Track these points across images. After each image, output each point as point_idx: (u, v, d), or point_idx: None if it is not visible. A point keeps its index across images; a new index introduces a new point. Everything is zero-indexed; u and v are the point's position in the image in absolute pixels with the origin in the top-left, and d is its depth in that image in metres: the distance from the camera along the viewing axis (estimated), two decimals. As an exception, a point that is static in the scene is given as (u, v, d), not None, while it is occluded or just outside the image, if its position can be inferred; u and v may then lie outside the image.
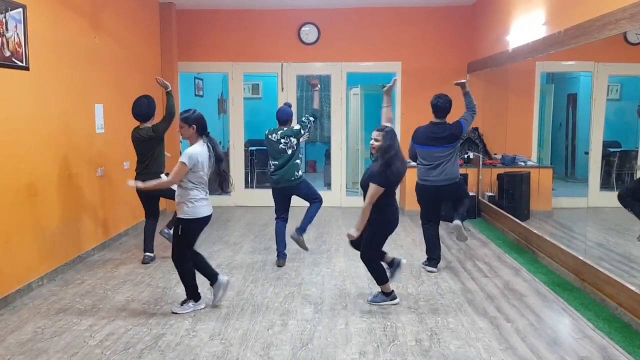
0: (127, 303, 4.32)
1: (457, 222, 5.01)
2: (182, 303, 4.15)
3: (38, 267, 4.69)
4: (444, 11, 8.24)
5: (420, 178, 5.17)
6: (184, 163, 3.90)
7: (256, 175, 10.00)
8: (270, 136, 5.30)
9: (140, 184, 4.37)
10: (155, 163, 5.25)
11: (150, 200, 5.36)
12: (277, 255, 5.41)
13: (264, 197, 8.74)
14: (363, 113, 9.42)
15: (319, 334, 3.73)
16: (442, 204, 5.29)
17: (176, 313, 4.07)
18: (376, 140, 4.03)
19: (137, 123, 5.27)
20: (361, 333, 3.75)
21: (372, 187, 3.97)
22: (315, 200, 5.41)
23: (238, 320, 3.96)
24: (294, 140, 5.24)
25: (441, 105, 5.07)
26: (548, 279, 4.89)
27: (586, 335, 3.71)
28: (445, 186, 5.04)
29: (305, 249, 5.47)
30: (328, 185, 9.11)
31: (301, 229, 5.34)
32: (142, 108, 5.23)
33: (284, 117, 5.33)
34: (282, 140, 5.23)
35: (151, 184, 4.39)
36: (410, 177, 7.76)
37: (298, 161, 5.31)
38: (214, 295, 4.22)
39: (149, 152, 5.20)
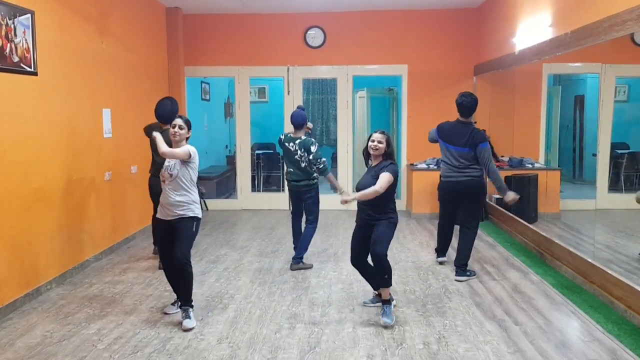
0: (135, 307, 4.34)
1: (458, 278, 4.99)
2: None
3: (46, 271, 4.72)
4: (450, 14, 8.24)
5: (443, 175, 5.20)
6: (190, 150, 3.95)
7: (262, 179, 10.01)
8: (287, 144, 5.26)
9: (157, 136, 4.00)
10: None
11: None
12: (294, 249, 5.47)
13: (271, 200, 8.77)
14: (369, 116, 9.42)
15: (327, 338, 3.72)
16: (460, 204, 5.18)
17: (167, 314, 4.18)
18: (380, 142, 3.95)
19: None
20: (369, 336, 3.74)
21: (386, 175, 3.84)
22: (310, 221, 5.37)
23: (245, 324, 3.97)
24: (307, 155, 5.19)
25: (467, 104, 5.00)
26: (556, 281, 4.87)
27: (595, 337, 3.68)
28: (464, 181, 5.00)
29: (310, 266, 5.38)
30: (334, 188, 9.10)
31: (298, 259, 5.35)
32: (167, 109, 5.22)
33: (299, 121, 5.24)
34: (299, 152, 5.19)
35: (161, 141, 3.94)
36: (418, 179, 7.78)
37: (311, 171, 5.29)
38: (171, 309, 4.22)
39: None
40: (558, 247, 5.25)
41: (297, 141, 5.20)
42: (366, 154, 4.12)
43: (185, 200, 3.99)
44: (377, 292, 4.23)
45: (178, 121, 4.03)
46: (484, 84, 8.04)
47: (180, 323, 3.94)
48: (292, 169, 5.27)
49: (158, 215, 4.10)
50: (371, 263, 4.07)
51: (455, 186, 5.07)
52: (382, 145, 3.96)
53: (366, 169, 4.16)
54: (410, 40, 8.32)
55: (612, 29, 4.12)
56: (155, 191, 5.33)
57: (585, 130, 6.73)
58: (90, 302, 4.46)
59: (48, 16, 4.73)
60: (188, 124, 4.07)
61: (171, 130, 4.00)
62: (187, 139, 4.07)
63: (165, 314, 4.15)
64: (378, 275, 4.01)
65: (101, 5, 5.80)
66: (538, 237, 5.77)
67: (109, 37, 5.96)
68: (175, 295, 4.21)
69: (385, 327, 3.88)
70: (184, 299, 4.02)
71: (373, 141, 3.98)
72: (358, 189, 4.02)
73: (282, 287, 4.81)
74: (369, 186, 3.90)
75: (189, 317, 3.97)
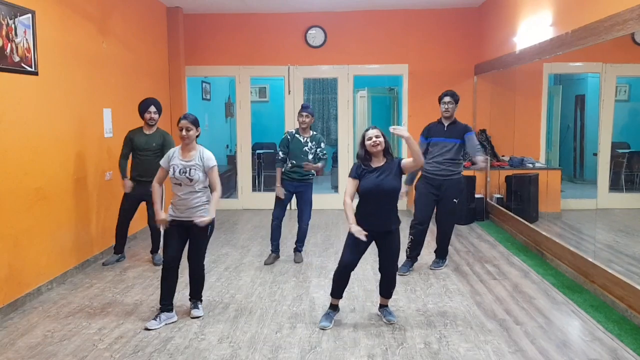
0: (136, 306, 4.34)
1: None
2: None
3: (47, 270, 4.72)
4: (451, 13, 8.24)
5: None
6: (216, 166, 4.00)
7: (263, 179, 10.01)
8: (297, 135, 5.39)
9: (208, 219, 3.91)
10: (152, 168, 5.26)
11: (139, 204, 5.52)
12: (275, 247, 5.64)
13: (271, 200, 8.74)
14: (370, 115, 9.42)
15: (327, 337, 3.72)
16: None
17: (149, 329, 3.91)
18: (378, 137, 3.75)
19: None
20: (369, 336, 3.74)
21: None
22: (303, 222, 5.52)
23: (246, 324, 3.97)
24: (317, 149, 5.39)
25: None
26: (557, 281, 4.87)
27: (596, 337, 3.68)
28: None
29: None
30: (335, 188, 9.12)
31: (299, 250, 5.68)
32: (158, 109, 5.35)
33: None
34: (310, 144, 5.36)
35: (212, 208, 3.95)
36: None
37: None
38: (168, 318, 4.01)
39: (155, 158, 5.20)
40: (559, 247, 5.25)
41: (310, 135, 5.43)
42: (363, 157, 3.82)
43: (203, 201, 3.97)
44: (335, 304, 4.03)
45: (184, 123, 3.91)
46: (485, 84, 8.03)
47: (179, 321, 3.95)
48: (297, 162, 5.35)
49: (173, 217, 3.95)
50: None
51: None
52: (382, 139, 3.77)
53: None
54: (411, 40, 8.31)
55: (613, 29, 4.11)
56: (133, 197, 5.35)
57: (586, 130, 6.73)
58: (91, 301, 4.46)
59: (49, 16, 4.73)
60: (195, 122, 3.96)
61: (180, 134, 3.92)
62: (197, 137, 4.00)
63: (147, 329, 3.86)
64: (390, 289, 4.01)
65: (102, 5, 5.80)
66: (539, 237, 5.77)
67: (110, 36, 5.96)
68: (159, 307, 4.02)
69: (391, 323, 3.93)
70: (197, 294, 4.16)
71: (371, 138, 3.76)
72: (381, 190, 3.73)
73: (283, 286, 4.81)
74: (397, 186, 3.77)
75: (198, 308, 4.11)
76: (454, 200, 5.11)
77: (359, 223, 3.76)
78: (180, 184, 3.91)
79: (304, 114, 5.31)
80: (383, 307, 4.08)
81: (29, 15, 4.42)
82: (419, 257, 5.35)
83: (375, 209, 3.77)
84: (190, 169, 3.90)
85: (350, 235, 3.78)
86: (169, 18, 7.93)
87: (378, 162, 3.80)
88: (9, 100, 4.21)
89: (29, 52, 4.42)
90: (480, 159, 4.91)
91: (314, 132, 5.46)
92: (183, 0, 7.69)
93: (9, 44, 4.18)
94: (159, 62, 7.63)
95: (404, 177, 4.05)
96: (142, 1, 7.00)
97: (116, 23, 6.13)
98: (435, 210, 5.25)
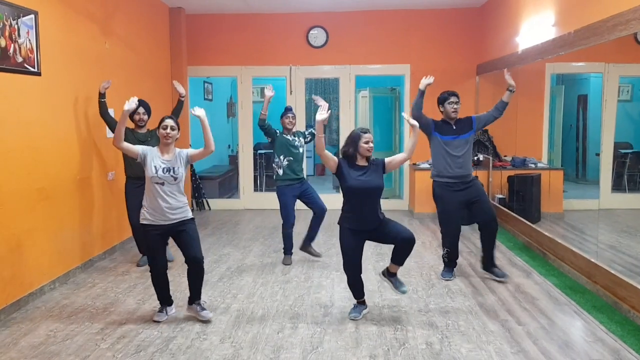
0: (138, 306, 4.34)
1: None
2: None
3: (50, 270, 4.73)
4: (453, 13, 8.23)
5: None
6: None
7: (265, 179, 10.02)
8: (284, 135, 5.51)
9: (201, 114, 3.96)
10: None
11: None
12: (288, 251, 5.63)
13: (273, 200, 8.76)
14: (372, 116, 9.41)
15: (329, 338, 3.73)
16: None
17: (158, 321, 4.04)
18: (372, 142, 3.88)
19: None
20: (371, 336, 3.74)
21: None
22: (322, 206, 5.53)
23: (248, 324, 3.97)
24: (302, 140, 5.57)
25: None
26: (560, 281, 4.86)
27: (598, 338, 3.68)
28: None
29: (319, 255, 5.64)
30: (337, 188, 9.12)
31: (309, 239, 5.59)
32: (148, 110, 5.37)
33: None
34: (297, 140, 5.53)
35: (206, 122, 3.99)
36: (420, 179, 7.76)
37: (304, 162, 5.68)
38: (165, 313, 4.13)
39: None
40: (561, 247, 5.24)
41: (292, 132, 5.57)
42: (351, 156, 3.91)
43: (184, 201, 3.98)
44: (361, 302, 4.17)
45: (169, 122, 3.87)
46: (487, 84, 8.03)
47: (181, 321, 3.96)
48: (292, 158, 5.45)
49: (151, 221, 3.86)
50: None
51: None
52: (373, 145, 3.91)
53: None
54: (412, 40, 8.31)
55: (616, 29, 4.11)
56: (136, 197, 5.29)
57: (589, 130, 6.71)
58: (93, 301, 4.47)
59: (51, 17, 4.75)
60: (178, 125, 3.98)
61: (162, 132, 3.86)
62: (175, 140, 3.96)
63: (156, 321, 4.01)
64: (406, 255, 4.00)
65: (105, 5, 5.81)
66: (541, 237, 5.76)
67: (113, 37, 5.98)
68: (159, 302, 4.10)
69: (404, 293, 4.10)
70: (199, 294, 4.10)
71: (368, 142, 3.85)
72: (369, 187, 3.84)
73: (284, 287, 4.81)
74: (382, 185, 3.92)
75: (205, 309, 4.10)
76: (486, 194, 4.98)
77: (346, 222, 4.00)
78: (162, 184, 3.83)
79: (291, 115, 5.51)
80: (393, 275, 4.10)
81: (32, 16, 4.43)
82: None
83: (362, 207, 3.91)
84: (174, 167, 3.87)
85: (344, 246, 4.04)
86: (171, 18, 7.94)
87: (362, 162, 3.93)
88: (12, 101, 4.22)
89: (31, 52, 4.43)
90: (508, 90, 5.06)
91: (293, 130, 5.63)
92: (185, 1, 7.70)
93: (12, 45, 4.19)
94: (162, 62, 7.64)
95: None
96: (144, 2, 7.01)
97: (119, 24, 6.14)
98: (468, 215, 5.05)
